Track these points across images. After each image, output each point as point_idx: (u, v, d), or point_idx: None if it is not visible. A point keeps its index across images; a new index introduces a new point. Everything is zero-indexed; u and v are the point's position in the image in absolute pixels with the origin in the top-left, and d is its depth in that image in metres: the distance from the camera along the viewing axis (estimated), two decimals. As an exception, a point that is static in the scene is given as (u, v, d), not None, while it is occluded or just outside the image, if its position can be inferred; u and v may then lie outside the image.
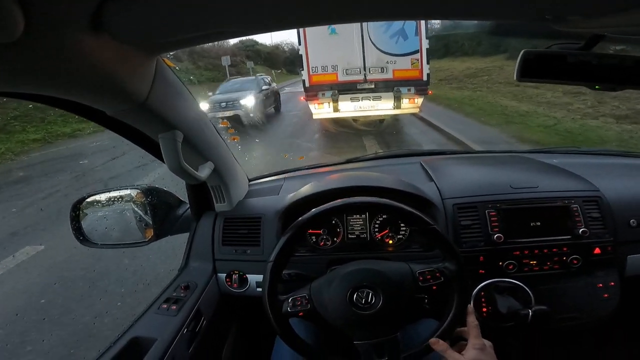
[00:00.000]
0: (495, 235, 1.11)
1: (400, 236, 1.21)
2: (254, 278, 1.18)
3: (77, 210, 1.16)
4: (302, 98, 7.30)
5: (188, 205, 1.29)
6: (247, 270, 1.19)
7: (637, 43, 0.69)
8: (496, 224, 1.13)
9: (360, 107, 6.93)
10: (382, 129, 7.80)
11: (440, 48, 20.28)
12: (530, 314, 1.00)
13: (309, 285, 0.88)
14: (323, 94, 6.79)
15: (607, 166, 1.47)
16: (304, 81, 6.83)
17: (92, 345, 2.22)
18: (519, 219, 1.13)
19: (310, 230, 1.22)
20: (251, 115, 9.38)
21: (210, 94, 10.79)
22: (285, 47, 42.88)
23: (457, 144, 6.46)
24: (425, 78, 6.63)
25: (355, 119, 7.78)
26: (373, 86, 6.73)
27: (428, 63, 6.62)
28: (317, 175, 1.54)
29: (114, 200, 1.22)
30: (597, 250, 1.12)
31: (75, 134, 10.02)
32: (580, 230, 1.10)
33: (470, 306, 0.88)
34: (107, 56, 0.54)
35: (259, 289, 1.16)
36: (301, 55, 6.69)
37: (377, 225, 1.22)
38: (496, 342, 0.86)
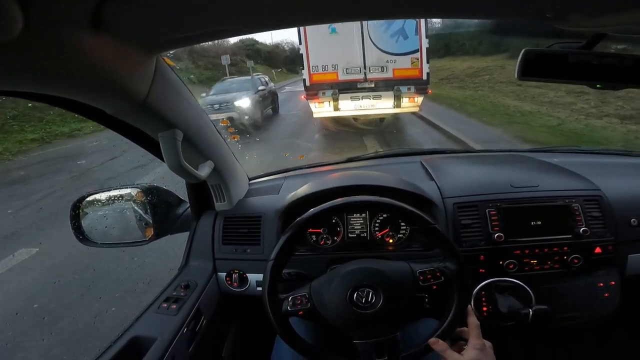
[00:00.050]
0: (496, 235, 1.10)
1: (401, 235, 1.21)
2: (254, 277, 1.18)
3: (77, 209, 1.16)
4: (302, 97, 7.33)
5: (188, 204, 1.29)
6: (247, 269, 1.19)
7: (638, 42, 0.69)
8: (497, 223, 1.12)
9: (360, 106, 6.95)
10: (383, 128, 7.80)
11: (441, 47, 20.23)
12: (531, 313, 1.00)
13: (309, 285, 0.88)
14: (323, 93, 6.81)
15: (607, 165, 1.47)
16: (304, 80, 6.85)
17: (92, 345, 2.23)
18: (520, 218, 1.13)
19: (311, 230, 1.22)
20: (246, 117, 8.96)
21: (203, 94, 10.32)
22: (285, 46, 42.86)
23: (458, 143, 6.43)
24: (425, 77, 6.65)
25: (355, 118, 7.80)
26: (373, 85, 6.75)
27: (428, 62, 6.63)
28: (317, 174, 1.54)
29: (114, 199, 1.22)
30: (597, 250, 1.11)
31: (73, 133, 10.00)
32: (581, 229, 1.10)
33: (471, 306, 0.88)
34: (107, 55, 0.54)
35: (259, 288, 1.16)
36: (302, 55, 6.70)
37: (377, 225, 1.22)
38: (497, 341, 0.86)
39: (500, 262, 1.11)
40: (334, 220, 1.23)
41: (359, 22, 6.35)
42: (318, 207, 0.90)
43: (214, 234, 1.23)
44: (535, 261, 1.11)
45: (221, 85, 10.64)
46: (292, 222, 0.91)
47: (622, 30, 0.58)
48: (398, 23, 6.45)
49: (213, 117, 8.12)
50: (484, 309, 1.10)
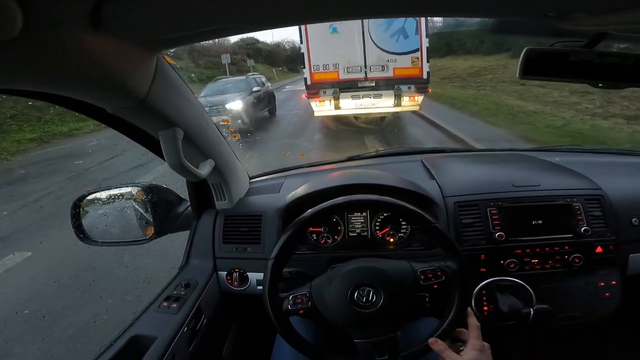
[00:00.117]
0: (497, 234, 1.10)
1: (402, 234, 1.21)
2: (254, 276, 1.18)
3: (77, 208, 1.15)
4: (303, 96, 7.38)
5: (189, 203, 1.29)
6: (247, 268, 1.19)
7: (640, 41, 0.69)
8: (498, 222, 1.12)
9: (361, 105, 6.99)
10: (383, 127, 7.80)
11: (442, 46, 20.18)
12: (532, 312, 1.00)
13: (310, 283, 0.88)
14: (324, 92, 6.86)
15: (609, 164, 1.47)
16: (305, 79, 6.91)
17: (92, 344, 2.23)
18: (521, 217, 1.13)
19: (311, 228, 1.22)
20: (239, 121, 8.34)
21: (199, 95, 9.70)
22: (286, 45, 42.76)
23: (460, 143, 6.41)
24: (425, 76, 6.69)
25: (356, 117, 7.84)
26: (374, 84, 6.80)
27: (428, 61, 6.67)
28: (318, 173, 1.54)
29: (115, 198, 1.22)
30: (599, 249, 1.11)
31: (72, 133, 9.96)
32: (582, 228, 1.10)
33: (471, 307, 0.88)
34: (107, 53, 0.54)
35: (260, 287, 1.16)
36: (303, 54, 6.75)
37: (378, 223, 1.22)
38: (497, 340, 0.86)
39: (501, 262, 1.11)
40: (334, 219, 1.23)
41: (359, 22, 6.41)
42: (319, 205, 0.90)
43: (214, 233, 1.23)
44: (536, 260, 1.11)
45: (214, 86, 9.93)
46: (292, 221, 0.91)
47: (624, 29, 0.58)
48: (398, 22, 6.49)
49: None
50: (485, 308, 1.10)
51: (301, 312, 0.85)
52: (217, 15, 0.52)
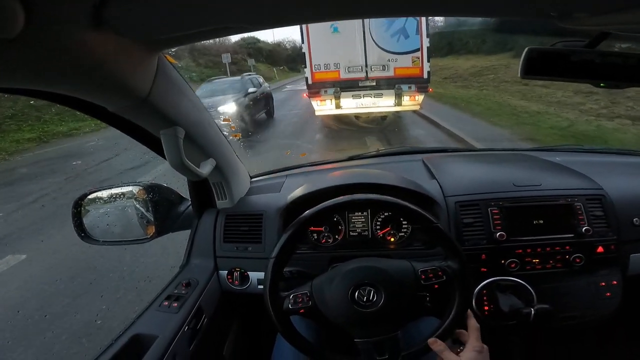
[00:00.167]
0: (498, 234, 1.10)
1: (402, 234, 1.21)
2: (255, 275, 1.18)
3: (78, 207, 1.16)
4: (304, 95, 7.43)
5: (189, 202, 1.29)
6: (248, 267, 1.19)
7: (643, 41, 0.68)
8: (499, 222, 1.12)
9: (361, 104, 7.03)
10: (384, 127, 7.80)
11: (443, 46, 20.15)
12: (533, 312, 1.00)
13: (310, 283, 0.88)
14: (325, 91, 6.90)
15: (610, 164, 1.46)
16: (306, 78, 6.94)
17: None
18: (522, 217, 1.13)
19: (312, 228, 1.22)
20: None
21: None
22: (287, 45, 42.81)
23: (461, 143, 6.39)
24: (425, 76, 6.72)
25: (357, 116, 7.87)
26: (374, 83, 6.84)
27: (429, 61, 6.70)
28: (318, 173, 1.54)
29: (116, 197, 1.22)
30: (600, 249, 1.11)
31: (71, 132, 9.91)
32: (584, 228, 1.10)
33: (472, 307, 0.88)
34: (109, 52, 0.54)
35: (260, 287, 1.16)
36: (304, 53, 6.78)
37: (378, 223, 1.22)
38: (498, 340, 0.86)
39: (502, 261, 1.11)
40: (335, 219, 1.23)
41: (360, 22, 6.44)
42: (319, 205, 0.90)
43: (215, 232, 1.23)
44: (537, 260, 1.11)
45: (208, 86, 9.47)
46: (293, 220, 0.91)
47: (626, 29, 0.58)
48: (399, 22, 6.52)
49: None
50: (486, 308, 1.10)
51: (302, 311, 0.85)
52: (218, 14, 0.52)
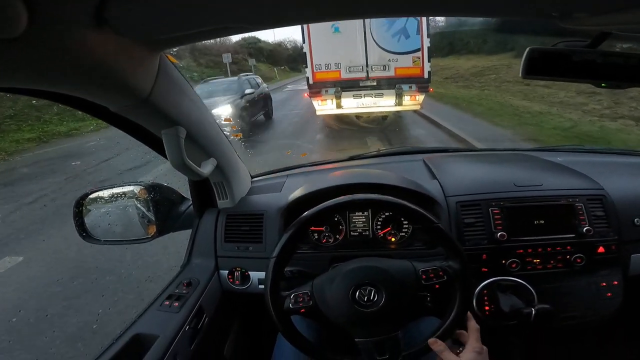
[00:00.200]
0: (499, 234, 1.10)
1: (403, 234, 1.21)
2: (255, 275, 1.18)
3: (80, 207, 1.16)
4: (305, 95, 7.45)
5: (190, 202, 1.29)
6: (249, 267, 1.19)
7: (645, 41, 0.68)
8: (500, 222, 1.12)
9: (362, 104, 7.07)
10: (385, 126, 7.79)
11: (444, 46, 20.13)
12: (533, 312, 1.00)
13: (311, 282, 0.88)
14: (326, 91, 6.93)
15: (611, 164, 1.46)
16: (307, 78, 6.97)
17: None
18: (523, 217, 1.13)
19: (313, 227, 1.22)
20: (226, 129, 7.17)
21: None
22: (288, 45, 42.84)
23: (462, 142, 6.38)
24: (426, 76, 6.76)
25: (358, 116, 7.89)
26: (375, 83, 6.87)
27: (429, 61, 6.73)
28: (319, 172, 1.54)
29: (117, 197, 1.22)
30: (601, 249, 1.11)
31: (71, 133, 9.85)
32: (585, 228, 1.10)
33: (472, 307, 0.88)
34: (111, 52, 0.54)
35: (261, 286, 1.16)
36: (305, 53, 6.82)
37: (379, 223, 1.22)
38: (498, 340, 0.86)
39: (503, 261, 1.11)
40: (336, 219, 1.23)
41: (361, 22, 6.47)
42: (320, 205, 0.90)
43: (216, 232, 1.23)
44: (538, 260, 1.11)
45: (204, 87, 9.06)
46: (294, 220, 0.91)
47: (627, 29, 0.58)
48: (400, 22, 6.54)
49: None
50: (486, 308, 1.10)
51: (302, 310, 0.85)
52: (219, 14, 0.52)
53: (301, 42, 6.84)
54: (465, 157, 1.67)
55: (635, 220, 1.14)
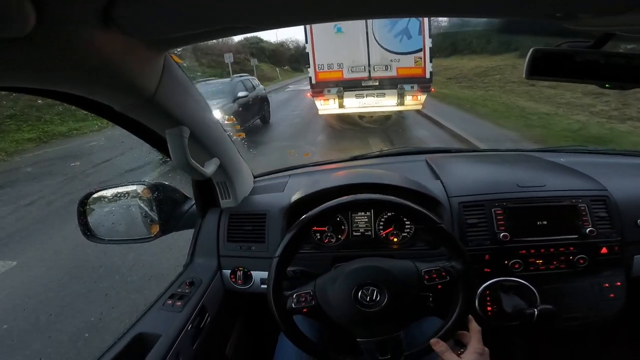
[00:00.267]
0: (502, 234, 1.10)
1: (405, 234, 1.21)
2: (258, 275, 1.18)
3: (84, 206, 1.16)
4: (308, 94, 7.49)
5: (193, 202, 1.30)
6: (251, 266, 1.19)
7: (648, 42, 0.68)
8: (502, 222, 1.12)
9: (364, 104, 7.11)
10: (388, 127, 7.78)
11: (447, 46, 20.10)
12: (536, 313, 1.00)
13: (314, 282, 0.88)
14: (329, 91, 6.97)
15: (614, 165, 1.46)
16: (310, 78, 7.02)
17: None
18: (526, 217, 1.13)
19: (315, 227, 1.22)
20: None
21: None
22: (290, 45, 42.89)
23: (464, 143, 6.34)
24: (428, 76, 6.81)
25: (361, 116, 7.92)
26: (377, 83, 6.91)
27: (431, 61, 6.77)
28: (322, 172, 1.54)
29: (120, 196, 1.23)
30: (604, 250, 1.11)
31: (71, 133, 9.80)
32: (588, 229, 1.09)
33: (475, 308, 0.87)
34: (117, 52, 0.55)
35: (263, 286, 1.16)
36: (308, 53, 6.87)
37: (382, 223, 1.22)
38: (501, 341, 0.86)
39: (506, 262, 1.11)
40: (338, 219, 1.23)
41: (363, 22, 6.52)
42: (323, 205, 0.90)
43: (218, 231, 1.24)
44: (540, 261, 1.11)
45: None
46: (296, 219, 0.91)
47: (631, 30, 0.58)
48: (402, 23, 6.58)
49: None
50: (489, 308, 1.10)
51: (305, 310, 0.85)
52: (224, 14, 0.52)
53: (303, 42, 6.91)
54: (468, 157, 1.67)
55: (639, 221, 1.14)
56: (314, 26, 6.50)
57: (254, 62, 26.19)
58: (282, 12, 0.56)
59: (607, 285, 1.12)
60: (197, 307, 1.03)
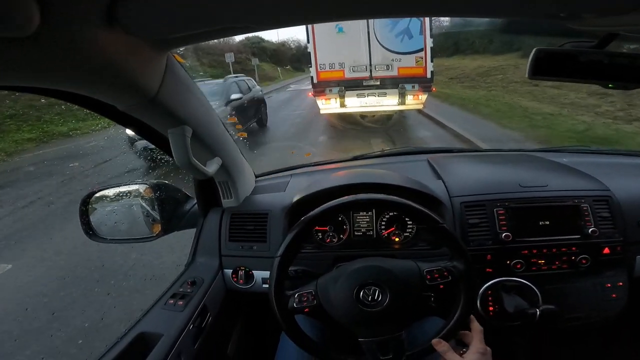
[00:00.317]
0: (504, 234, 1.10)
1: (407, 234, 1.21)
2: (259, 274, 1.18)
3: (86, 205, 1.17)
4: (310, 94, 7.52)
5: (195, 201, 1.30)
6: (253, 266, 1.19)
7: (652, 42, 0.68)
8: (504, 222, 1.12)
9: (366, 103, 7.14)
10: (389, 127, 7.78)
11: (449, 46, 20.04)
12: (538, 313, 1.00)
13: (316, 282, 0.88)
14: (330, 90, 7.01)
15: (617, 165, 1.46)
16: (312, 78, 7.06)
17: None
18: (528, 217, 1.13)
19: (317, 227, 1.22)
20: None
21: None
22: (291, 44, 42.96)
23: (466, 143, 6.32)
24: (429, 75, 6.83)
25: (362, 116, 7.94)
26: (378, 83, 6.94)
27: (432, 61, 6.81)
28: (323, 172, 1.54)
29: (122, 195, 1.23)
30: (606, 250, 1.11)
31: (71, 133, 9.72)
32: (590, 229, 1.09)
33: (477, 308, 0.87)
34: (120, 51, 0.55)
35: (265, 286, 1.16)
36: (309, 53, 6.90)
37: (383, 223, 1.22)
38: (502, 341, 0.86)
39: (508, 262, 1.11)
40: (340, 218, 1.23)
41: (365, 22, 6.56)
42: (325, 205, 0.90)
43: (220, 231, 1.24)
44: (542, 261, 1.11)
45: None
46: (298, 219, 0.91)
47: (635, 30, 0.58)
48: (403, 23, 6.62)
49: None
50: (491, 308, 1.10)
51: (306, 310, 0.85)
52: (226, 14, 0.52)
53: (305, 41, 6.94)
54: (469, 157, 1.67)
55: None
56: (316, 26, 6.53)
57: (255, 61, 26.21)
58: (283, 12, 0.56)
59: (609, 285, 1.12)
60: (199, 307, 1.03)
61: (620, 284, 1.12)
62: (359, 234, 1.23)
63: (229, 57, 19.63)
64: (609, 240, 1.11)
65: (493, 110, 9.08)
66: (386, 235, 1.21)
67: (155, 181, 1.24)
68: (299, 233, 0.88)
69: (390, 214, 1.22)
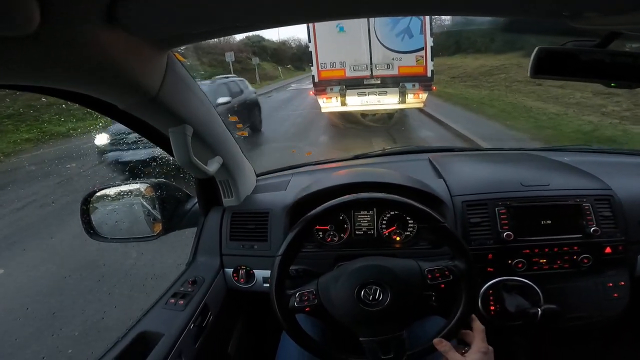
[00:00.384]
0: (505, 233, 1.10)
1: (408, 233, 1.21)
2: (260, 273, 1.18)
3: (87, 204, 1.17)
4: (311, 93, 7.55)
5: (196, 200, 1.30)
6: (254, 265, 1.19)
7: (654, 41, 0.68)
8: (506, 221, 1.12)
9: (366, 102, 7.16)
10: (390, 126, 7.78)
11: (451, 45, 19.95)
12: (539, 312, 0.99)
13: (317, 281, 0.88)
14: (331, 89, 7.03)
15: (619, 165, 1.45)
16: (313, 77, 7.09)
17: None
18: (530, 217, 1.13)
19: (318, 226, 1.22)
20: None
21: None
22: (292, 44, 42.96)
23: (467, 142, 6.29)
24: (429, 74, 6.85)
25: (364, 115, 7.98)
26: (379, 82, 6.96)
27: (432, 60, 6.82)
28: (324, 171, 1.54)
29: (123, 195, 1.23)
30: (608, 250, 1.11)
31: (70, 133, 9.55)
32: (592, 229, 1.09)
33: (478, 307, 0.87)
34: (121, 50, 0.55)
35: (266, 285, 1.16)
36: (311, 52, 6.93)
37: (384, 222, 1.22)
38: (504, 340, 0.86)
39: (509, 261, 1.10)
40: (341, 217, 1.23)
41: (365, 21, 6.58)
42: (326, 204, 0.90)
43: (221, 230, 1.24)
44: (544, 260, 1.11)
45: None
46: (299, 218, 0.91)
47: (637, 29, 0.58)
48: (404, 22, 6.63)
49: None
50: (492, 308, 1.10)
51: (307, 309, 0.85)
52: (227, 13, 0.52)
53: (305, 40, 6.98)
54: (471, 156, 1.67)
55: None
56: (317, 25, 6.57)
57: (255, 60, 26.21)
58: (283, 11, 0.56)
59: (610, 284, 1.11)
60: (200, 306, 1.03)
61: (622, 283, 1.11)
62: (360, 233, 1.23)
63: (229, 56, 19.65)
64: (611, 240, 1.11)
65: (497, 110, 8.98)
66: (387, 234, 1.21)
67: (156, 180, 1.24)
68: (300, 232, 0.88)
69: (392, 213, 1.22)
